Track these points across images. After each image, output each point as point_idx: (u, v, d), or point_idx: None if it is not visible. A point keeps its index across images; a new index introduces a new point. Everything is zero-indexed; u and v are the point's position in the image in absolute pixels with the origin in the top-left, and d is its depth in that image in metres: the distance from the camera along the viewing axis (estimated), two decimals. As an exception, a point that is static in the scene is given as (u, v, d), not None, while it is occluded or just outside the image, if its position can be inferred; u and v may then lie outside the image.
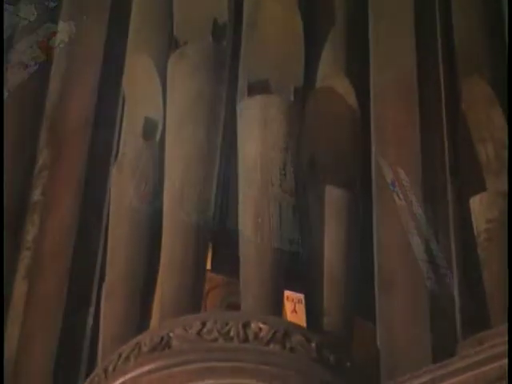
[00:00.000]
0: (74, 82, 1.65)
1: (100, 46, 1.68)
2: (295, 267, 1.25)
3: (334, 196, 1.27)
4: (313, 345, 0.96)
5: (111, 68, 1.64)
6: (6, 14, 1.79)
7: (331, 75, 1.40)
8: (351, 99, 1.38)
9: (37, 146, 1.68)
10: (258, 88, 1.39)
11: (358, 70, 1.47)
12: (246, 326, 0.96)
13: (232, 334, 0.94)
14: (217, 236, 1.37)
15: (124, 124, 1.50)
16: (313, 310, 1.20)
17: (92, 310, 1.31)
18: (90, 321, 1.30)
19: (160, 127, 1.39)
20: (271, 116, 1.32)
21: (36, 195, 1.59)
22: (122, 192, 1.34)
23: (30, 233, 1.55)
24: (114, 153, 1.52)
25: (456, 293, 1.15)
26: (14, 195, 1.56)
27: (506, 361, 0.85)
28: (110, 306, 1.25)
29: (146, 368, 0.93)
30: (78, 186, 1.48)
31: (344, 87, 1.38)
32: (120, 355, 0.98)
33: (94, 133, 1.56)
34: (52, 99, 1.71)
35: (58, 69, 1.75)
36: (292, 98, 1.38)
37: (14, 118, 1.69)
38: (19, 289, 1.45)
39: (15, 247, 1.53)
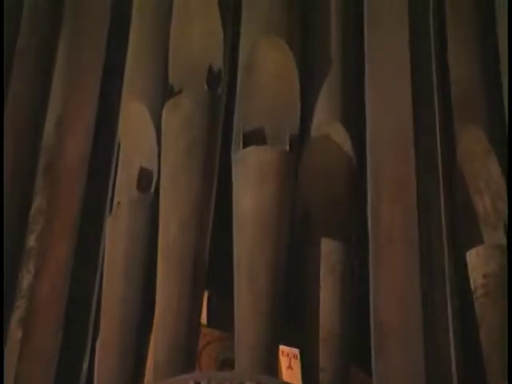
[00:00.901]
0: (69, 124, 1.62)
1: (96, 88, 1.65)
2: (291, 321, 1.21)
3: (329, 249, 1.28)
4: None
5: (107, 110, 1.62)
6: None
7: (327, 123, 1.40)
8: (347, 148, 1.38)
9: (32, 188, 1.64)
10: (253, 137, 1.38)
11: (354, 117, 1.45)
12: (240, 386, 0.90)
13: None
14: (213, 286, 1.33)
15: (119, 171, 1.48)
16: (309, 366, 1.21)
17: (87, 359, 1.27)
18: (85, 372, 1.26)
19: (155, 177, 1.37)
20: (266, 169, 1.33)
21: (31, 241, 1.58)
22: (117, 242, 1.32)
23: (26, 280, 1.52)
24: (109, 199, 1.49)
25: (452, 351, 1.13)
26: (9, 240, 1.52)
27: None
28: (105, 358, 1.26)
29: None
30: (73, 233, 1.47)
31: (340, 135, 1.38)
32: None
33: (89, 177, 1.53)
34: (47, 141, 1.68)
35: (54, 109, 1.70)
36: (287, 148, 1.36)
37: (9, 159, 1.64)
38: (14, 337, 1.43)
39: (10, 295, 1.48)
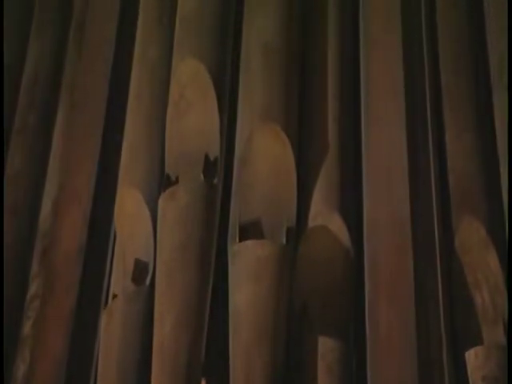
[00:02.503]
0: (65, 209, 1.64)
1: (92, 172, 1.68)
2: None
3: (326, 348, 1.27)
4: None
5: (104, 196, 1.64)
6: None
7: (324, 213, 1.41)
8: (345, 239, 1.40)
9: (29, 273, 1.65)
10: (250, 229, 1.39)
11: (351, 206, 1.47)
12: None
13: None
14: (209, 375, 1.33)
15: (115, 261, 1.50)
16: None
17: None
18: None
19: (150, 270, 1.38)
20: (263, 265, 1.34)
21: (27, 328, 1.59)
22: (111, 339, 1.34)
23: (21, 369, 1.53)
24: (105, 289, 1.50)
25: None
26: (5, 326, 1.53)
27: None
28: None
29: None
30: (69, 324, 1.48)
31: (337, 226, 1.39)
32: None
33: (85, 265, 1.55)
34: (43, 225, 1.70)
35: (50, 193, 1.73)
36: (284, 241, 1.37)
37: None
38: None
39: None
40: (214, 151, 1.53)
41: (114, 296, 1.44)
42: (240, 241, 1.40)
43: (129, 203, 1.50)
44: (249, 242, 1.38)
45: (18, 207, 1.76)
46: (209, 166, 1.51)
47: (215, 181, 1.49)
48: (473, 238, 1.38)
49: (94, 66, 1.91)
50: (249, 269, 1.33)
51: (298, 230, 1.43)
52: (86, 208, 1.66)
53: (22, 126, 1.92)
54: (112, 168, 1.67)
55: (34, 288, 1.64)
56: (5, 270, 1.62)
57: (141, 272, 1.44)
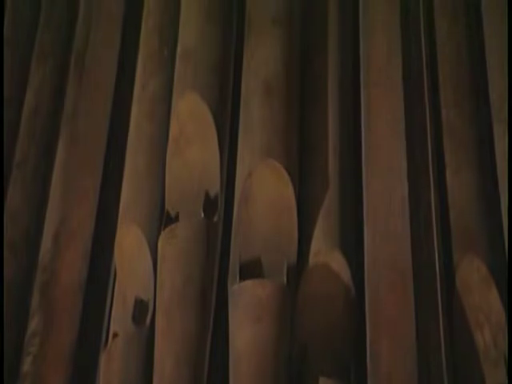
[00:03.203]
0: (66, 243, 1.65)
1: (94, 206, 1.69)
2: None
3: (327, 391, 1.26)
4: None
5: (105, 231, 1.65)
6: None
7: (325, 251, 1.42)
8: (346, 277, 1.41)
9: (29, 307, 1.66)
10: (250, 267, 1.40)
11: (352, 244, 1.47)
12: None
13: None
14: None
15: (115, 299, 1.50)
16: None
17: None
18: None
19: (151, 309, 1.38)
20: (263, 305, 1.35)
21: (27, 364, 1.58)
22: (111, 380, 1.35)
23: (20, 411, 1.52)
24: (105, 327, 1.51)
25: None
26: (6, 363, 1.54)
27: None
28: None
29: None
30: (69, 362, 1.48)
31: (338, 264, 1.40)
32: None
33: (85, 302, 1.55)
34: (44, 259, 1.71)
35: (51, 226, 1.74)
36: (285, 280, 1.37)
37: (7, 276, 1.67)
38: None
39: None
40: (215, 188, 1.54)
41: (115, 335, 1.44)
42: (240, 280, 1.39)
43: (129, 240, 1.51)
44: (249, 282, 1.38)
45: (17, 243, 1.75)
46: (209, 203, 1.52)
47: (215, 218, 1.49)
48: (474, 277, 1.38)
49: (94, 97, 1.92)
50: (249, 309, 1.34)
51: (299, 268, 1.43)
52: (86, 244, 1.65)
53: (23, 158, 1.92)
54: (112, 203, 1.66)
55: (34, 324, 1.65)
56: (5, 305, 1.60)
57: (141, 311, 1.44)
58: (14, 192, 1.89)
